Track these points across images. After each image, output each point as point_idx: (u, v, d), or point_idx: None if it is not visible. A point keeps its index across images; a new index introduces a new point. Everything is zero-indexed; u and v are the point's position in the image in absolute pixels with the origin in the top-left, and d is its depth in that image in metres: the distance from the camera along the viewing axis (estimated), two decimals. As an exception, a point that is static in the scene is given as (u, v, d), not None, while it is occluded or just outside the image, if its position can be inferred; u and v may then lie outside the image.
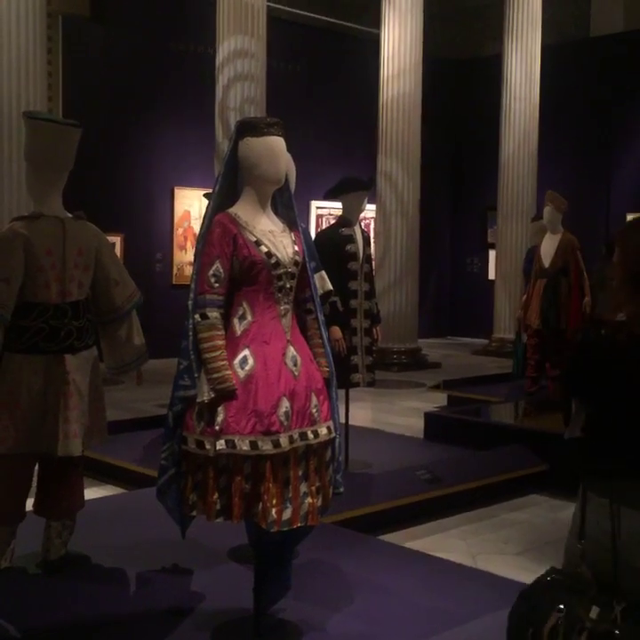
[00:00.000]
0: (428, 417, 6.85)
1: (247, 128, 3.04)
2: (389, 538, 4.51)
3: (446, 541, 4.61)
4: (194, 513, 2.93)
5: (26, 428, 3.47)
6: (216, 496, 2.85)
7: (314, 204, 13.13)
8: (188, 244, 11.86)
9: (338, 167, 11.37)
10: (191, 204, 11.87)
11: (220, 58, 9.09)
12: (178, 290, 11.30)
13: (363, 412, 7.86)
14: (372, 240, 5.90)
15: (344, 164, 11.91)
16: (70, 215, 3.64)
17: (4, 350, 3.49)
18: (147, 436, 6.05)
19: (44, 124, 3.54)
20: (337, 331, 4.97)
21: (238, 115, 8.70)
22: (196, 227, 11.89)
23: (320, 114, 13.16)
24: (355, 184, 5.41)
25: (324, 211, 13.31)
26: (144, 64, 11.35)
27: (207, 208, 3.11)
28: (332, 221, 5.94)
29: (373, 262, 5.76)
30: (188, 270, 11.83)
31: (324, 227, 11.61)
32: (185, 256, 11.85)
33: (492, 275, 13.78)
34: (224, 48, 9.01)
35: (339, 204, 5.56)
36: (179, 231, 11.88)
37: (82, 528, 3.78)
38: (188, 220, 11.95)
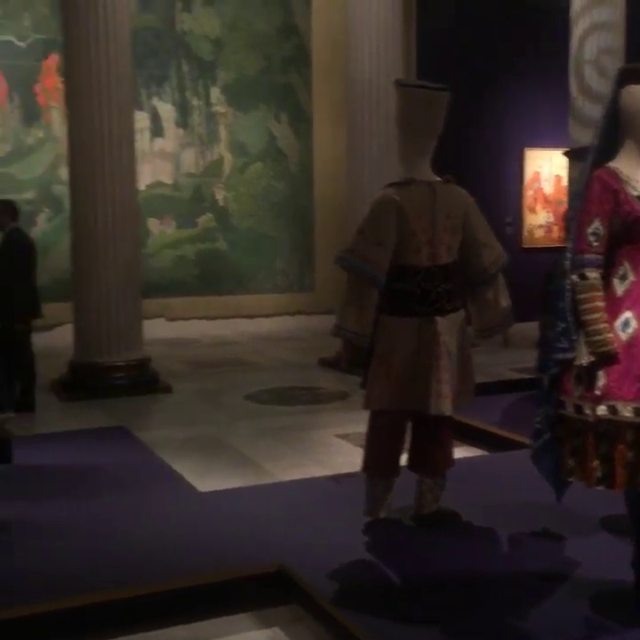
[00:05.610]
0: None
1: (630, 75, 2.86)
2: None
3: None
4: (571, 479, 2.86)
5: (398, 386, 3.62)
6: (596, 463, 2.76)
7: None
8: (538, 206, 11.58)
9: None
10: (541, 165, 11.55)
11: (575, 8, 8.69)
12: (528, 253, 11.09)
13: None
14: None
15: None
16: (439, 179, 3.70)
17: (379, 313, 3.65)
18: (504, 400, 6.06)
19: (417, 91, 3.61)
20: None
21: (594, 68, 8.27)
22: (546, 188, 11.59)
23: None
24: None
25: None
26: (495, 21, 11.17)
27: (585, 164, 2.98)
28: None
29: None
30: (538, 233, 11.59)
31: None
32: (535, 218, 11.60)
33: None
34: (579, -3, 8.60)
35: None
36: (529, 193, 11.63)
37: (452, 486, 3.87)
38: (537, 182, 11.65)
